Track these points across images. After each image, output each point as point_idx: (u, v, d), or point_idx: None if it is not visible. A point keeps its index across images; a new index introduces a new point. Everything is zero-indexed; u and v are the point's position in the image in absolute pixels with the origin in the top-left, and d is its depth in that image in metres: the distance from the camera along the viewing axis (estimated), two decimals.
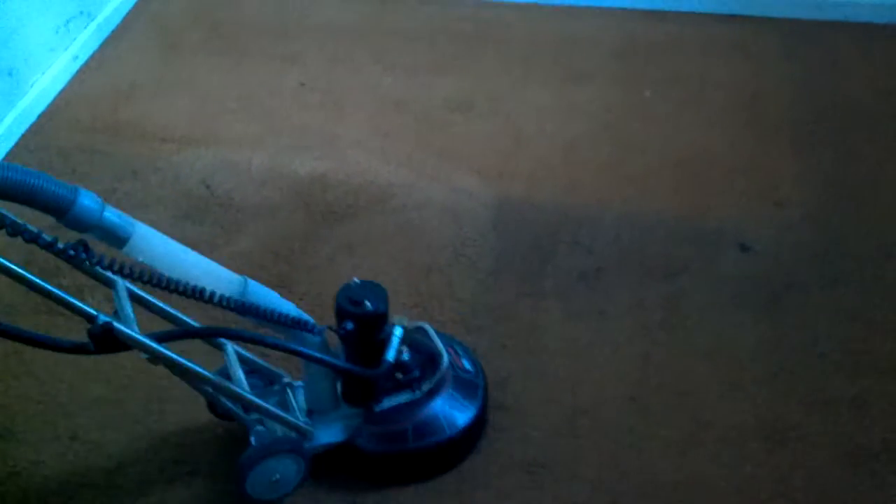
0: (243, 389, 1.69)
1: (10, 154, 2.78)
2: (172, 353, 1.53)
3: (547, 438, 1.96)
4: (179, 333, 1.63)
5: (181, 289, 1.45)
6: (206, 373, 1.60)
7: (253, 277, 1.62)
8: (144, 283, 1.41)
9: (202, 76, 3.14)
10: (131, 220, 1.42)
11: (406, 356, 1.77)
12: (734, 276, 2.30)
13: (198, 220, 2.52)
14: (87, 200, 1.34)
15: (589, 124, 2.85)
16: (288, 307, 1.64)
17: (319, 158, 2.74)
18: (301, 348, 1.64)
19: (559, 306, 2.24)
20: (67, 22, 3.10)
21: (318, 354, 1.65)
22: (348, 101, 2.99)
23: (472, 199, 2.57)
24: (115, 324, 1.42)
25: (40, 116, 2.94)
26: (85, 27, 3.22)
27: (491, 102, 2.96)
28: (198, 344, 1.76)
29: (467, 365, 1.96)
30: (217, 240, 2.45)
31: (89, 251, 1.36)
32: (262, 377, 1.88)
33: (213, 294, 1.49)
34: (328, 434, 1.82)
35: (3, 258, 1.34)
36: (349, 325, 1.66)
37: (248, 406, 1.72)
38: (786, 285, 2.27)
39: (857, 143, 2.71)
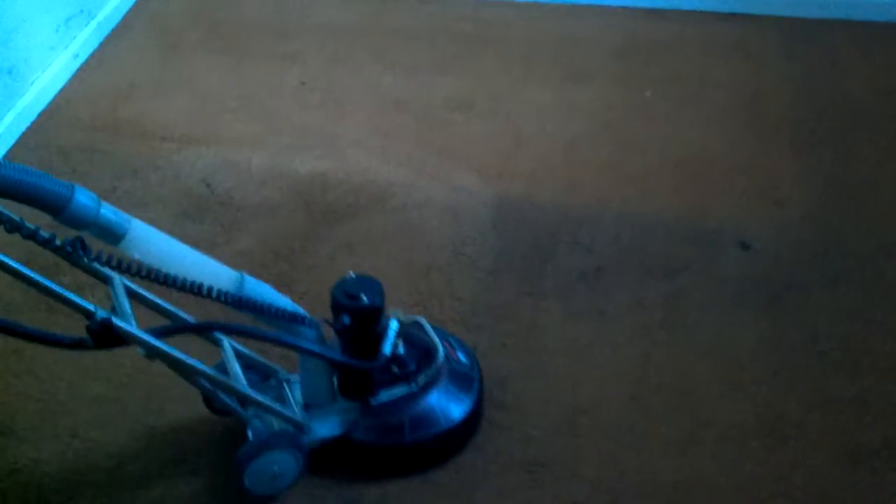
0: (240, 384, 1.70)
1: (10, 153, 2.78)
2: (170, 348, 1.54)
3: (547, 437, 1.96)
4: (177, 328, 1.64)
5: (178, 284, 1.46)
6: (203, 367, 1.60)
7: (253, 276, 1.62)
8: (142, 278, 1.42)
9: (202, 75, 3.14)
10: (127, 216, 1.43)
11: (402, 350, 1.79)
12: (734, 275, 2.30)
13: (198, 219, 2.53)
14: (84, 198, 1.35)
15: (589, 124, 2.85)
16: (284, 302, 1.65)
17: (320, 158, 2.74)
18: (298, 342, 1.65)
19: (559, 305, 2.24)
20: (68, 20, 3.10)
21: (315, 348, 1.67)
22: (348, 101, 2.99)
23: (472, 198, 2.57)
24: (114, 319, 1.43)
25: (40, 115, 2.94)
26: (85, 25, 3.22)
27: (491, 102, 2.96)
28: (194, 340, 1.76)
29: (462, 358, 1.97)
30: (217, 238, 2.45)
31: (86, 247, 1.36)
32: (258, 372, 1.89)
33: (209, 289, 1.49)
34: (325, 428, 1.83)
35: (1, 254, 1.34)
36: (346, 320, 1.66)
37: (245, 401, 1.73)
38: (786, 284, 2.27)
39: (857, 143, 2.71)
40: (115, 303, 1.54)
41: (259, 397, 1.71)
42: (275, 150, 2.78)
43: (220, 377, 1.65)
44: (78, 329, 1.47)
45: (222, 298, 1.51)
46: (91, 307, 1.42)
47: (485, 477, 1.88)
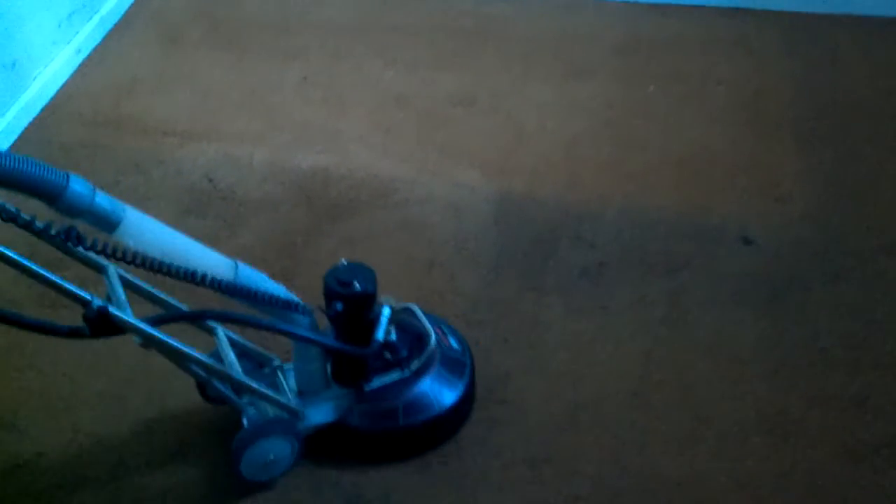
0: (235, 371, 1.71)
1: (13, 148, 2.79)
2: (165, 336, 1.55)
3: (548, 433, 1.96)
4: (172, 316, 1.65)
5: (172, 271, 1.47)
6: (198, 355, 1.62)
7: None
8: (137, 266, 1.43)
9: (204, 71, 3.14)
10: (122, 205, 1.44)
11: (394, 336, 1.80)
12: (735, 272, 2.31)
13: (200, 214, 2.53)
14: (79, 186, 1.35)
15: (590, 121, 2.85)
16: (277, 289, 1.66)
17: (321, 153, 2.74)
18: (292, 328, 1.66)
19: (561, 302, 2.25)
20: (70, 15, 3.10)
21: (309, 334, 1.68)
22: (350, 97, 2.99)
23: (474, 194, 2.57)
24: (110, 308, 1.44)
25: (43, 110, 2.95)
26: (87, 21, 3.22)
27: (492, 98, 2.96)
28: (189, 330, 1.76)
29: (454, 344, 1.99)
30: (220, 233, 2.46)
31: (80, 237, 1.37)
32: (252, 361, 1.90)
33: (203, 276, 1.50)
34: (319, 414, 1.84)
35: None
36: (338, 306, 1.68)
37: (240, 388, 1.74)
38: (787, 281, 2.27)
39: (857, 141, 2.71)
40: (109, 291, 1.56)
41: (253, 384, 1.72)
42: (276, 146, 2.78)
43: (215, 364, 1.67)
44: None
45: (216, 286, 1.53)
46: (87, 296, 1.44)
47: (486, 472, 1.89)
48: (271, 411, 1.79)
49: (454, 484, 1.87)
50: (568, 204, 2.53)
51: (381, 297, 1.78)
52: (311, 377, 1.83)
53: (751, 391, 2.03)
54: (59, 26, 3.05)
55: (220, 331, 1.82)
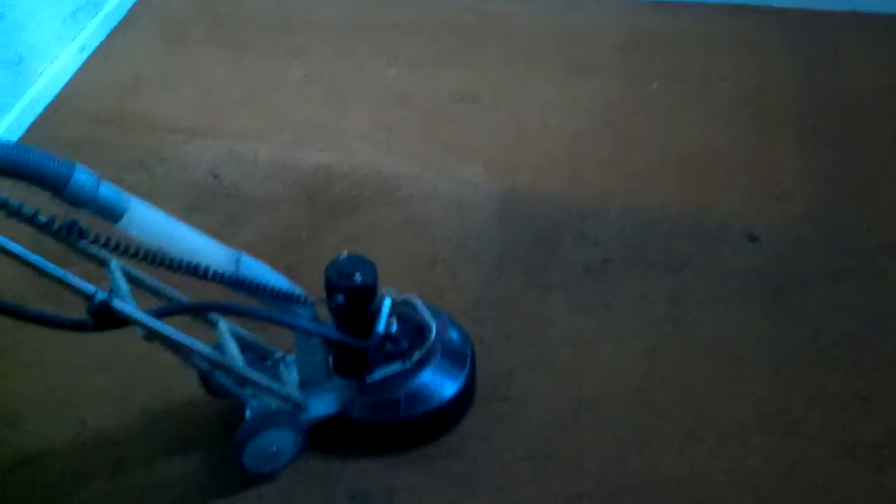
0: (237, 364, 1.72)
1: None
2: (168, 328, 1.56)
3: (552, 430, 1.97)
4: (175, 308, 1.66)
5: (175, 264, 1.47)
6: (201, 347, 1.63)
7: None
8: (139, 259, 1.44)
9: (207, 68, 3.15)
10: (127, 195, 1.45)
11: (395, 327, 1.81)
12: (737, 270, 2.31)
13: (205, 211, 2.54)
14: (83, 175, 1.36)
15: (592, 118, 2.85)
16: (280, 281, 1.67)
17: (324, 151, 2.75)
18: (295, 320, 1.67)
19: (564, 298, 2.26)
20: (75, 12, 3.11)
21: (311, 326, 1.69)
22: (352, 95, 3.00)
23: (477, 191, 2.58)
24: (113, 300, 1.45)
25: (47, 107, 2.96)
26: (92, 18, 3.23)
27: (494, 95, 2.96)
28: (192, 324, 1.78)
29: (455, 335, 2.00)
30: (224, 230, 2.46)
31: (82, 230, 1.38)
32: (254, 353, 1.91)
33: (206, 268, 1.51)
34: (322, 406, 1.86)
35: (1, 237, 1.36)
36: (340, 298, 1.69)
37: (243, 381, 1.75)
38: (788, 280, 2.28)
39: (859, 140, 2.71)
40: (112, 284, 1.56)
41: (256, 376, 1.73)
42: (279, 143, 2.79)
43: (218, 357, 1.68)
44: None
45: (219, 278, 1.53)
46: (91, 289, 1.44)
47: (490, 469, 1.90)
48: (274, 403, 1.80)
49: (457, 480, 1.89)
50: (571, 201, 2.54)
51: (383, 289, 1.78)
52: (313, 369, 1.85)
53: (751, 391, 2.03)
54: (64, 23, 3.06)
55: (223, 324, 1.83)
